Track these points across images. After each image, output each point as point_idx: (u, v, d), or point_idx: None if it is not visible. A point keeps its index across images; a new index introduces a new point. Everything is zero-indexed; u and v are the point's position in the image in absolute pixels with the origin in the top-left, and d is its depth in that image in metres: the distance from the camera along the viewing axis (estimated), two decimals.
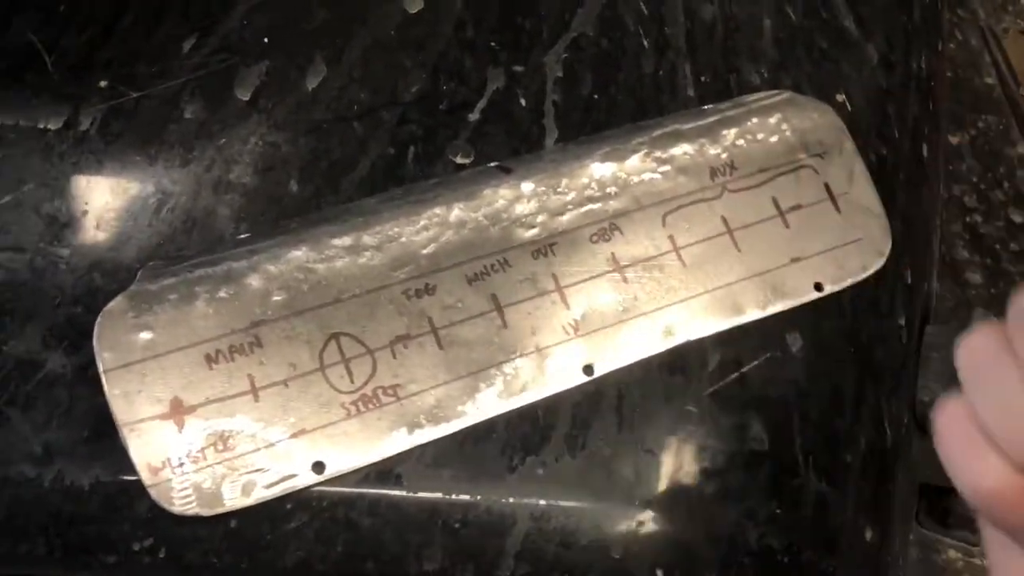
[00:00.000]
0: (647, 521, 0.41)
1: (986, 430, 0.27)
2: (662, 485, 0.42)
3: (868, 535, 0.45)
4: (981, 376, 0.27)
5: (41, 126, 0.42)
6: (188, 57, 0.45)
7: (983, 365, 0.27)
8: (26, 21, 0.44)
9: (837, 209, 0.47)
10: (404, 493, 0.40)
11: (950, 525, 0.60)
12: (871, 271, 0.47)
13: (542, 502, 0.40)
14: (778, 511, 0.42)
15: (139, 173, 0.42)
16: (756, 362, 0.44)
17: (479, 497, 0.40)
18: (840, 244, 0.47)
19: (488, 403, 0.41)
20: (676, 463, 0.42)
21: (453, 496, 0.40)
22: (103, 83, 0.43)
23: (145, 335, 0.38)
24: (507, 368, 0.41)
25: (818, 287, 0.46)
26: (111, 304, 0.38)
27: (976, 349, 0.27)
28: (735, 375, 0.44)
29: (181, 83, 0.44)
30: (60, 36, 0.44)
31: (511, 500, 0.40)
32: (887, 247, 0.47)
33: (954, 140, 0.74)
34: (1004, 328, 0.26)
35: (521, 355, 0.41)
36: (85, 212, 0.41)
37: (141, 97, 0.44)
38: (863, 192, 0.48)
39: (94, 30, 0.44)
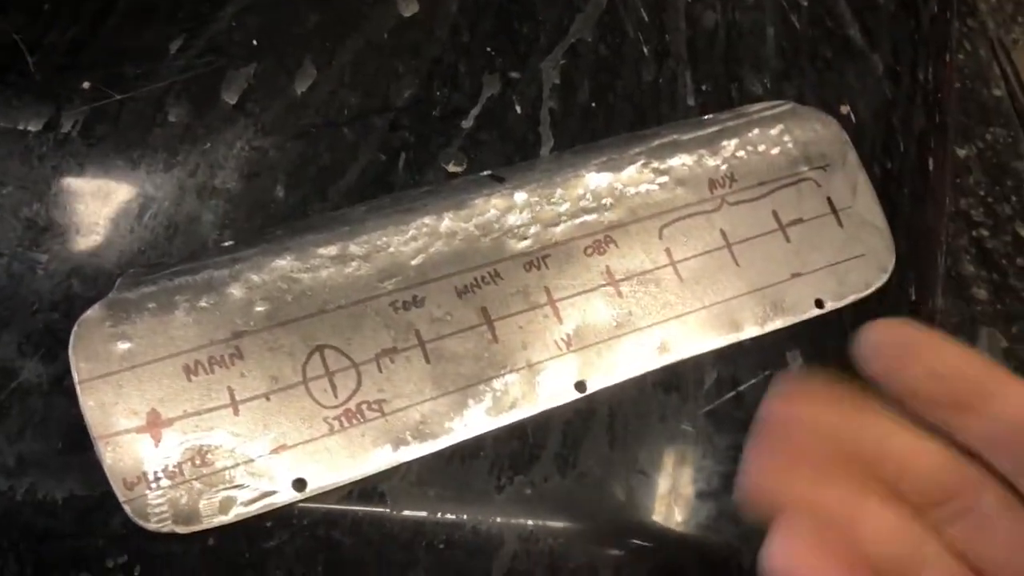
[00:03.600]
0: (638, 544, 0.40)
1: None
2: (655, 507, 0.40)
3: None
4: None
5: (21, 127, 0.41)
6: (174, 59, 0.43)
7: None
8: (8, 19, 0.43)
9: (839, 223, 0.46)
10: (388, 511, 0.38)
11: None
12: (874, 287, 0.46)
13: (530, 523, 0.39)
14: None
15: (121, 177, 0.41)
16: (754, 380, 0.43)
17: (465, 517, 0.39)
18: (842, 259, 0.45)
19: (476, 420, 0.39)
20: (670, 484, 0.41)
21: (438, 515, 0.39)
22: (86, 84, 0.42)
23: (123, 345, 0.37)
24: (497, 384, 0.40)
25: (819, 304, 0.44)
26: (88, 312, 0.37)
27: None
28: (732, 394, 0.43)
29: (166, 85, 0.43)
30: (44, 35, 0.43)
31: (498, 520, 0.39)
32: (891, 263, 0.46)
33: (961, 153, 0.73)
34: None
35: (511, 370, 0.40)
36: (65, 217, 0.40)
37: (125, 99, 0.42)
38: (867, 206, 0.47)
39: (79, 30, 0.43)
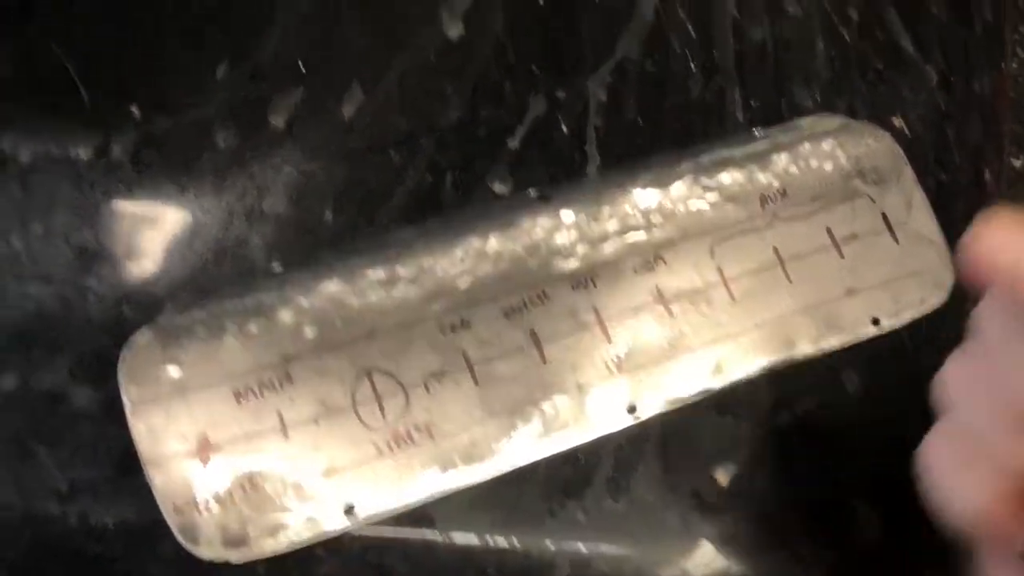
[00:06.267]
0: (693, 569, 0.39)
1: (974, 447, 0.27)
2: (709, 530, 0.40)
3: None
4: (963, 397, 0.28)
5: (73, 154, 0.41)
6: (222, 84, 0.44)
7: (962, 384, 0.28)
8: (61, 49, 0.43)
9: (895, 240, 0.45)
10: (438, 537, 0.38)
11: None
12: (932, 305, 0.44)
13: (583, 549, 0.39)
14: (833, 559, 0.40)
15: (170, 202, 0.41)
16: (810, 402, 0.42)
17: (516, 542, 0.38)
18: (899, 276, 0.44)
19: (526, 444, 0.39)
20: (725, 508, 0.40)
21: (489, 540, 0.38)
22: (135, 111, 0.43)
23: (172, 370, 0.37)
24: (546, 407, 0.39)
25: (875, 322, 0.43)
26: (137, 337, 0.37)
27: (952, 375, 0.29)
28: (788, 416, 0.42)
29: (214, 110, 0.43)
30: (95, 64, 0.43)
31: (550, 546, 0.38)
32: (949, 280, 0.45)
33: (1016, 163, 0.71)
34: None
35: (561, 393, 0.40)
36: (115, 242, 0.40)
37: (174, 125, 0.43)
38: (923, 222, 0.46)
39: (128, 57, 0.44)
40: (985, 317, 0.27)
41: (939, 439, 0.28)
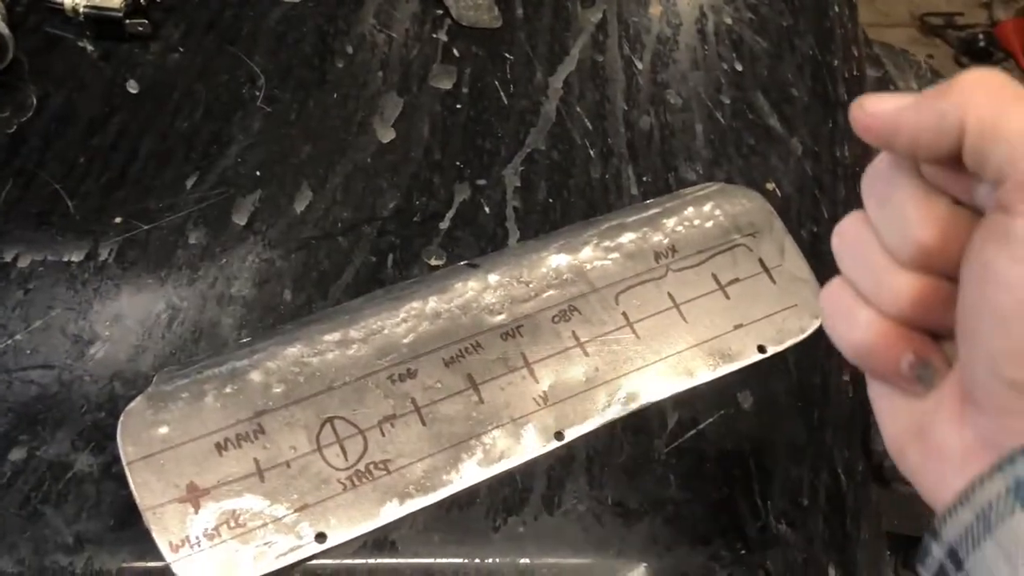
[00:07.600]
0: (622, 569, 0.45)
1: (858, 295, 0.31)
2: (634, 535, 0.46)
3: (832, 574, 0.48)
4: (848, 251, 0.32)
5: (66, 259, 0.49)
6: (191, 192, 0.51)
7: (848, 241, 0.32)
8: (50, 173, 0.51)
9: (772, 280, 0.53)
10: (399, 559, 0.44)
11: None
12: (808, 332, 0.52)
13: (525, 559, 0.45)
14: (743, 552, 0.46)
15: (152, 293, 0.48)
16: (711, 419, 0.49)
17: (467, 558, 0.44)
18: (778, 310, 0.52)
19: (470, 471, 0.45)
20: (645, 514, 0.46)
21: (444, 559, 0.44)
22: (118, 219, 0.50)
23: (162, 430, 0.43)
24: (485, 439, 0.46)
25: (761, 349, 0.51)
26: (131, 404, 0.44)
27: (843, 230, 0.33)
28: (693, 432, 0.49)
29: (186, 214, 0.51)
30: (80, 183, 0.51)
31: (497, 560, 0.44)
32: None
33: None
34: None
35: (497, 426, 0.46)
36: (106, 330, 0.47)
37: (152, 229, 0.50)
38: (794, 264, 0.54)
39: (109, 176, 0.52)
40: (869, 178, 0.31)
41: (832, 287, 0.33)
